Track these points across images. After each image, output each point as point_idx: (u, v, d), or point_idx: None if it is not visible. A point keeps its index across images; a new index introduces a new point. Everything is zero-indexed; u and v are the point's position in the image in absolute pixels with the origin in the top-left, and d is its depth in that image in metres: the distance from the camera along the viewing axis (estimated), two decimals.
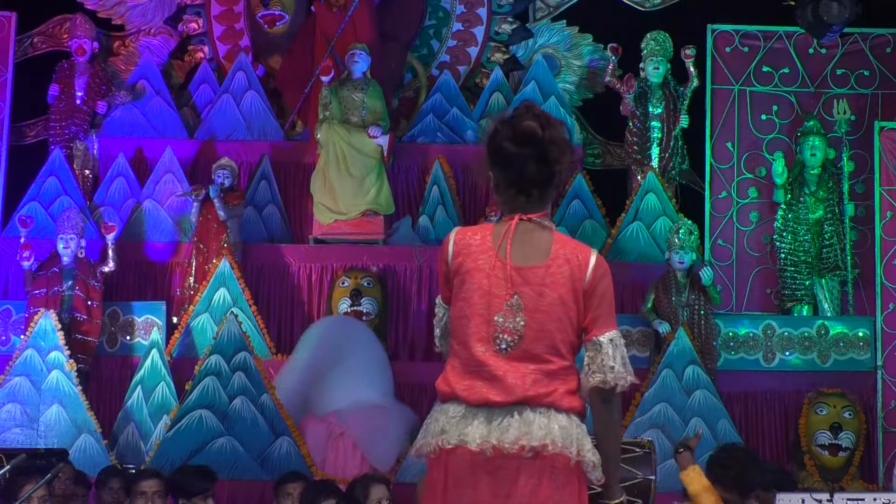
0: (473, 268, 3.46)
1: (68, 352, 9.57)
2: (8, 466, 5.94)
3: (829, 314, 10.73)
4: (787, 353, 10.39)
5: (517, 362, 3.43)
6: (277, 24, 11.78)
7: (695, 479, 5.78)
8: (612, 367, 3.46)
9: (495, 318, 3.42)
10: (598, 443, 3.50)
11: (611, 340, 3.49)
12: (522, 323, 3.42)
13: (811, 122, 11.04)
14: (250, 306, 10.20)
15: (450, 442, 3.42)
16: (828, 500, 6.59)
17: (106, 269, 10.13)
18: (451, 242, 3.52)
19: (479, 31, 12.18)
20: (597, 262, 3.54)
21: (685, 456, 5.89)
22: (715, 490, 5.70)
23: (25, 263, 10.00)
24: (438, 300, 3.64)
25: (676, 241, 9.99)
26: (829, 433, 9.90)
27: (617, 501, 3.57)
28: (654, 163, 11.09)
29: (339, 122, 10.80)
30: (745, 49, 11.46)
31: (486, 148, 3.56)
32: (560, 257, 3.48)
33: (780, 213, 10.94)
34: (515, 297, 3.42)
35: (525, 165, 3.47)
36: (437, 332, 3.66)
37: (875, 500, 6.66)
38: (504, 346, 3.42)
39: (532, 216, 3.50)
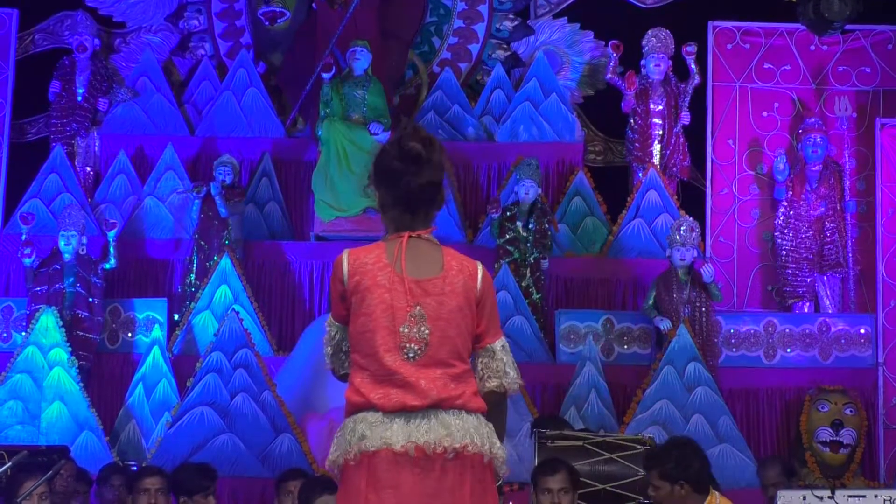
0: (372, 284, 3.63)
1: (69, 349, 9.58)
2: (9, 463, 5.95)
3: (830, 311, 10.74)
4: (789, 350, 10.39)
5: (425, 368, 3.62)
6: (278, 21, 11.77)
7: None
8: (508, 373, 3.77)
9: (401, 328, 3.61)
10: None
11: (503, 347, 3.80)
12: (427, 331, 3.62)
13: (812, 119, 11.04)
14: (252, 303, 10.21)
15: (372, 445, 3.57)
16: (829, 497, 6.59)
17: (107, 266, 10.13)
18: (346, 263, 3.68)
19: (480, 28, 12.18)
20: (483, 273, 3.78)
21: None
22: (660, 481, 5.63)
23: (27, 260, 10.01)
24: (330, 320, 3.78)
25: (677, 237, 9.99)
26: (830, 430, 9.91)
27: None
28: (656, 160, 11.09)
29: (341, 119, 10.80)
30: (747, 46, 11.45)
31: (374, 168, 3.74)
32: (453, 269, 3.70)
33: (782, 209, 10.94)
34: (417, 307, 3.62)
35: (410, 184, 3.66)
36: (328, 349, 3.80)
37: (876, 496, 6.67)
38: (412, 355, 3.61)
39: (420, 233, 3.71)
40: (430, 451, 3.56)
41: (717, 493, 5.64)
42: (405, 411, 3.60)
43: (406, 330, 3.62)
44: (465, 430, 3.61)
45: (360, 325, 3.64)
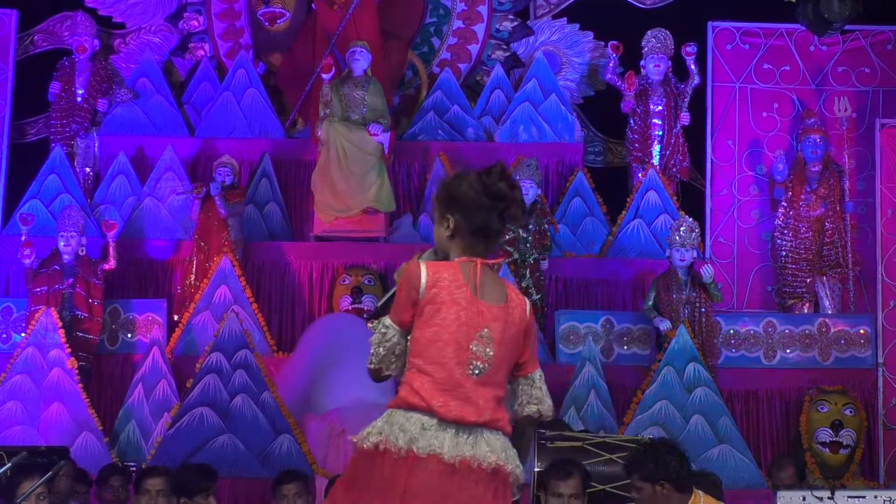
0: (449, 300, 3.89)
1: (69, 350, 9.57)
2: (9, 464, 5.94)
3: (829, 311, 10.74)
4: (788, 351, 10.39)
5: (483, 387, 3.89)
6: (278, 21, 11.79)
7: None
8: (544, 401, 4.03)
9: (471, 346, 3.87)
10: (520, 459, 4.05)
11: (541, 377, 4.05)
12: (492, 353, 3.89)
13: (812, 120, 11.04)
14: (251, 304, 10.21)
15: (423, 450, 3.82)
16: (829, 498, 6.60)
17: (107, 267, 10.13)
18: (425, 274, 3.92)
19: (479, 29, 12.18)
20: (531, 308, 4.09)
21: None
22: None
23: (26, 261, 10.00)
24: (389, 322, 3.96)
25: (677, 238, 9.99)
26: (830, 430, 9.91)
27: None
28: (655, 160, 11.09)
29: (340, 119, 10.80)
30: (746, 46, 11.46)
31: (451, 193, 3.98)
32: (514, 300, 4.01)
33: (781, 210, 10.95)
34: (486, 330, 3.89)
35: (490, 217, 3.95)
36: (379, 350, 3.95)
37: (876, 497, 6.67)
38: (477, 372, 3.87)
39: (489, 262, 4.00)
40: (475, 466, 3.83)
41: (700, 492, 5.63)
42: (458, 423, 3.85)
43: (475, 348, 3.88)
44: (502, 450, 3.89)
45: (432, 334, 3.87)
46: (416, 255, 4.07)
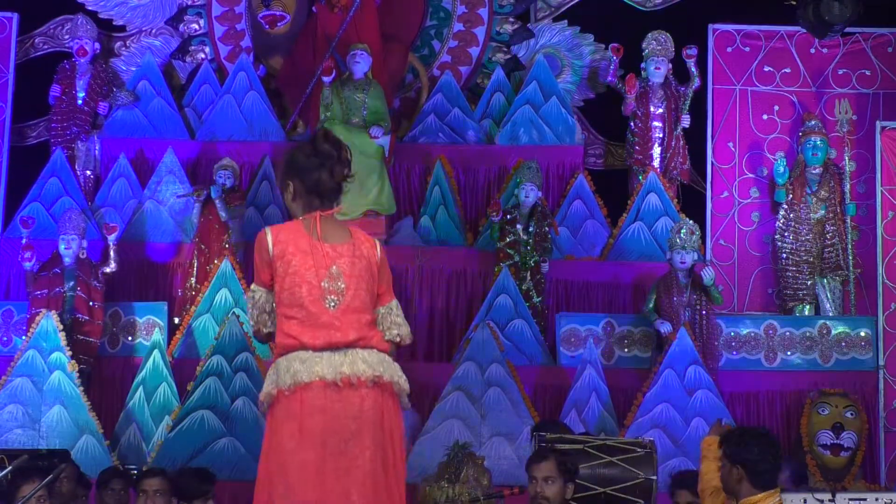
0: (296, 250, 4.46)
1: (70, 352, 9.58)
2: (10, 467, 5.94)
3: (830, 314, 10.73)
4: (789, 353, 10.38)
5: (345, 314, 4.46)
6: (279, 24, 11.79)
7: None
8: (402, 325, 4.62)
9: (322, 283, 4.44)
10: None
11: (397, 306, 4.67)
12: (343, 286, 4.47)
13: (812, 122, 11.04)
14: None
15: (307, 377, 4.38)
16: (830, 500, 6.60)
17: (107, 270, 10.14)
18: (270, 237, 4.50)
19: (480, 32, 12.18)
20: (380, 246, 4.70)
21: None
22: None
23: (27, 264, 10.01)
24: (254, 286, 4.56)
25: (678, 241, 9.98)
26: (831, 433, 9.90)
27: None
28: (656, 163, 11.09)
29: (341, 122, 10.80)
30: (746, 49, 11.46)
31: (288, 161, 4.57)
32: (359, 238, 4.60)
33: (782, 212, 10.94)
34: (334, 267, 4.47)
35: (321, 174, 4.53)
36: (253, 312, 4.58)
37: (877, 499, 6.67)
38: (333, 304, 4.45)
39: (327, 212, 4.55)
40: (355, 380, 4.39)
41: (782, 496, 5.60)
42: (330, 349, 4.41)
43: (326, 284, 4.45)
44: (378, 363, 4.46)
45: (289, 283, 4.44)
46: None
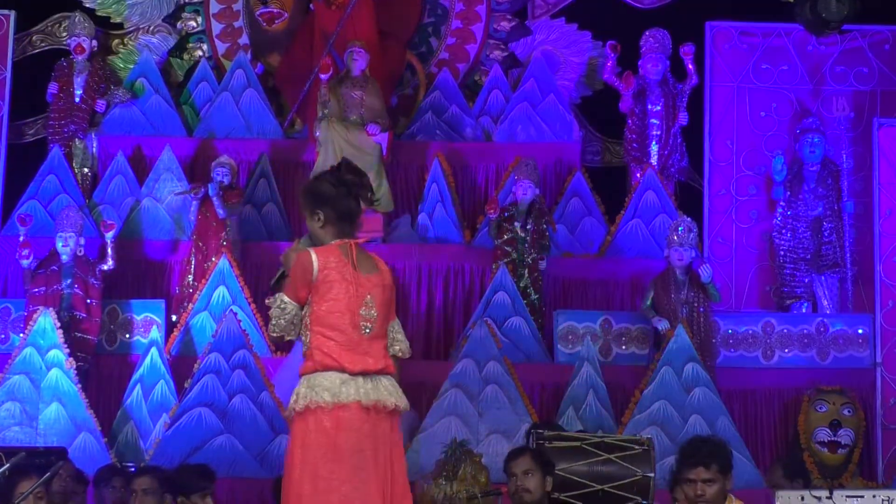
0: (339, 278, 4.84)
1: (67, 350, 9.57)
2: (7, 465, 5.94)
3: (828, 311, 10.74)
4: (787, 351, 10.39)
5: (373, 341, 4.90)
6: (276, 21, 11.79)
7: None
8: (402, 342, 5.06)
9: (360, 311, 4.85)
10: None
11: (398, 323, 5.09)
12: (375, 313, 4.88)
13: (810, 120, 11.04)
14: (249, 304, 10.20)
15: (346, 399, 4.80)
16: (827, 498, 6.60)
17: (105, 268, 10.13)
18: (316, 260, 4.84)
19: (477, 29, 12.18)
20: (390, 271, 5.11)
21: None
22: None
23: (24, 262, 10.00)
24: (286, 299, 4.88)
25: (675, 238, 9.98)
26: (828, 430, 9.91)
27: None
28: (654, 160, 11.09)
29: (338, 119, 10.80)
30: (744, 46, 11.45)
31: (315, 192, 4.93)
32: (383, 269, 5.01)
33: (779, 210, 10.94)
34: (368, 296, 4.88)
35: (349, 202, 4.92)
36: (281, 321, 4.91)
37: (874, 497, 6.68)
38: (368, 330, 4.87)
39: (358, 241, 4.96)
40: (381, 407, 4.84)
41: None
42: (363, 374, 4.83)
43: (363, 312, 4.85)
44: (394, 391, 4.90)
45: (329, 306, 4.84)
46: (296, 242, 5.02)
